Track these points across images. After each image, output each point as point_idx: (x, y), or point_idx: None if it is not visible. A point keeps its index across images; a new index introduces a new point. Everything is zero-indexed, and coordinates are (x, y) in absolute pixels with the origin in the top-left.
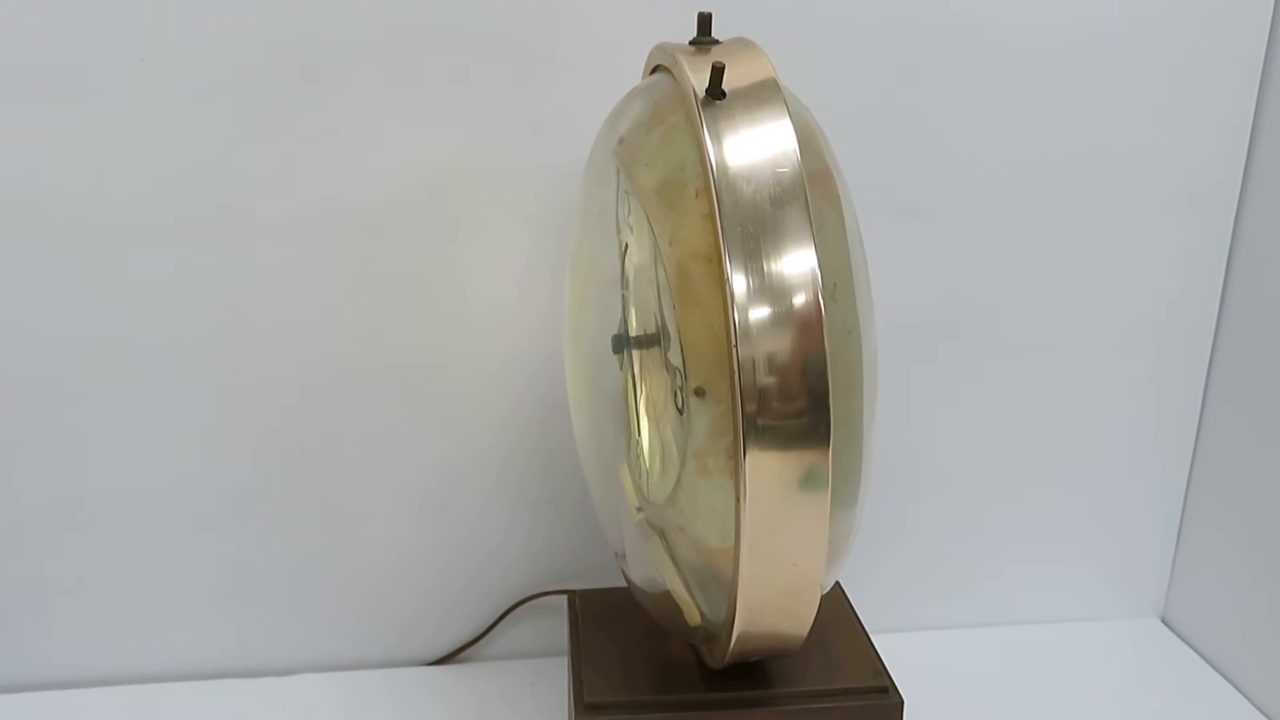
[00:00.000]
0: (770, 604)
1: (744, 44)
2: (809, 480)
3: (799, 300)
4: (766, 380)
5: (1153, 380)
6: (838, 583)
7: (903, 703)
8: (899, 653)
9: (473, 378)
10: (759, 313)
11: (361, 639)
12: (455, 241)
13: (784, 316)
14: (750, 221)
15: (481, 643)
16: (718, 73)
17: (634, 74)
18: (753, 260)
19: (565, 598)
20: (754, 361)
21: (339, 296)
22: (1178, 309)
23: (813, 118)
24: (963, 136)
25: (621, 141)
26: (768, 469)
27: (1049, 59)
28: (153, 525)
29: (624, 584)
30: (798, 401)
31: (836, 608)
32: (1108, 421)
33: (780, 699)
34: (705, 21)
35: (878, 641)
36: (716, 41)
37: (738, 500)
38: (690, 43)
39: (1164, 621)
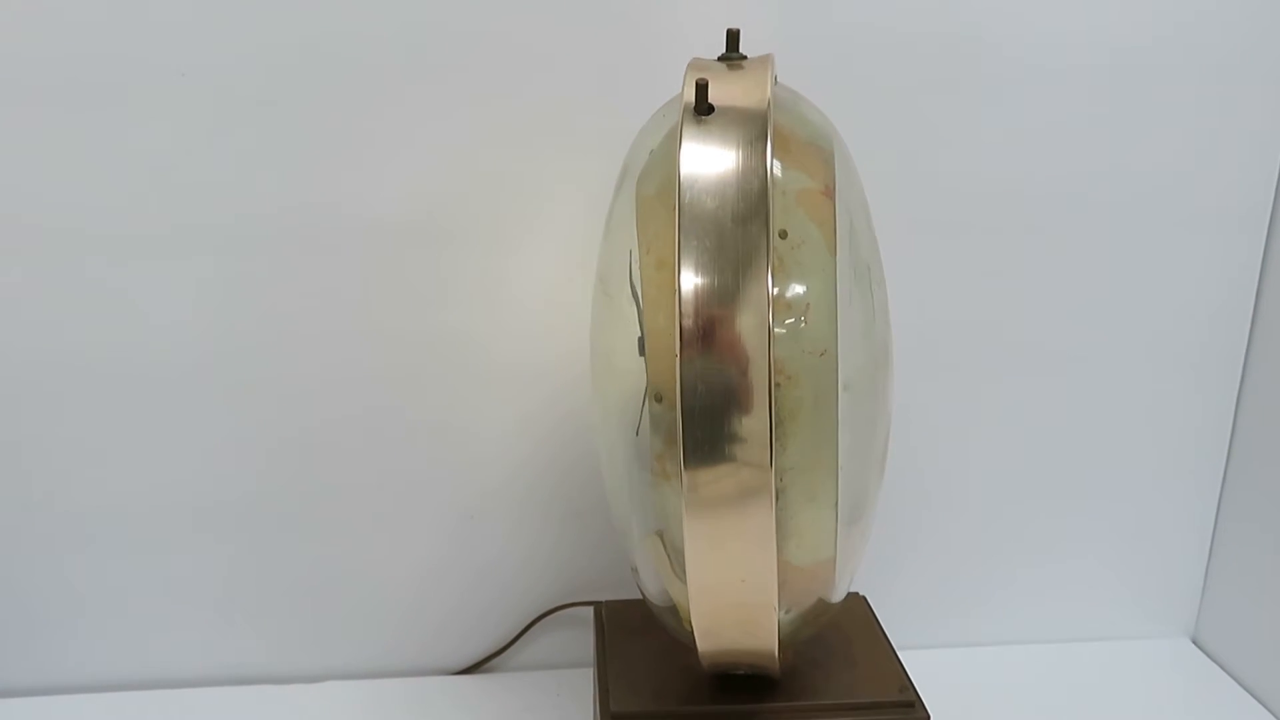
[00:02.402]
0: (726, 616)
1: (759, 62)
2: (752, 496)
3: (746, 316)
4: (709, 392)
5: (1185, 397)
6: (864, 596)
7: (929, 717)
8: (925, 669)
9: (503, 392)
10: (706, 325)
11: (389, 648)
12: (487, 254)
13: (730, 331)
14: (709, 235)
15: (507, 653)
16: (701, 89)
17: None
18: (706, 273)
19: (590, 609)
20: (698, 372)
21: (370, 309)
22: (1210, 324)
23: (836, 134)
24: (991, 152)
25: (651, 152)
26: (709, 481)
27: (1083, 77)
28: (178, 531)
29: None
30: (740, 416)
31: (861, 621)
32: (1139, 439)
33: (804, 712)
34: (733, 38)
35: (904, 657)
36: (744, 57)
37: (683, 509)
38: (719, 58)
39: (1194, 641)
